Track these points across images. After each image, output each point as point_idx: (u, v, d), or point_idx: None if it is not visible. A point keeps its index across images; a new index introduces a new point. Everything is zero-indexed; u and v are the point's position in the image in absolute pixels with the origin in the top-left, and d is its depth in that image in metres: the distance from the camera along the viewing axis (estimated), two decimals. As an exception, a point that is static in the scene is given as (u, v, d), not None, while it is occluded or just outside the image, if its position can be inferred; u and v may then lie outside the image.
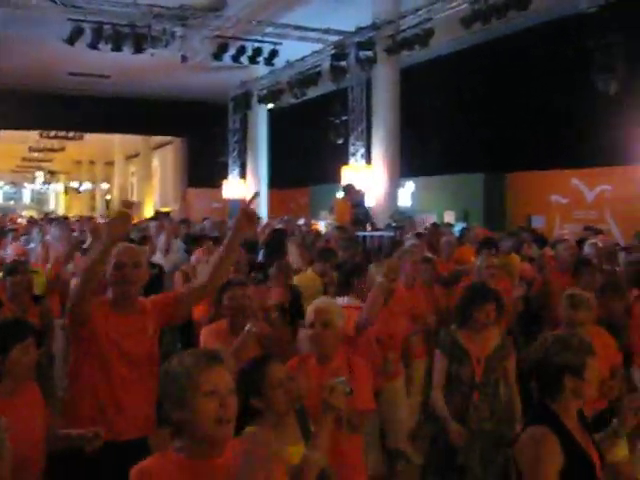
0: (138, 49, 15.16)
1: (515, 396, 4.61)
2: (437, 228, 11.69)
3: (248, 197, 13.62)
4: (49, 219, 21.22)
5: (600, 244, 8.41)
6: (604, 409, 4.44)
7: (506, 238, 9.45)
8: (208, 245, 8.17)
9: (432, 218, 15.52)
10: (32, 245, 9.27)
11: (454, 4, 13.54)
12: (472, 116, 16.94)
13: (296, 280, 7.01)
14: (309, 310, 3.98)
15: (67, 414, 3.79)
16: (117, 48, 15.01)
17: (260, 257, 9.12)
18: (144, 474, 2.38)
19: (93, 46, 14.89)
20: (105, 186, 45.78)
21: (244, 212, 3.66)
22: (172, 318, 4.04)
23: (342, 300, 5.21)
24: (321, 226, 16.17)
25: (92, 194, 49.27)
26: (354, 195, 14.35)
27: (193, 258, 8.23)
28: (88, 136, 33.28)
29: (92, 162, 47.31)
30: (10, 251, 7.69)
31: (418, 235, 9.90)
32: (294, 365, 3.85)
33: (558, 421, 2.99)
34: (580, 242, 9.27)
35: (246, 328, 4.25)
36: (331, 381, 3.19)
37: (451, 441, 4.41)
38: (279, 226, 12.22)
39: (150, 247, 8.51)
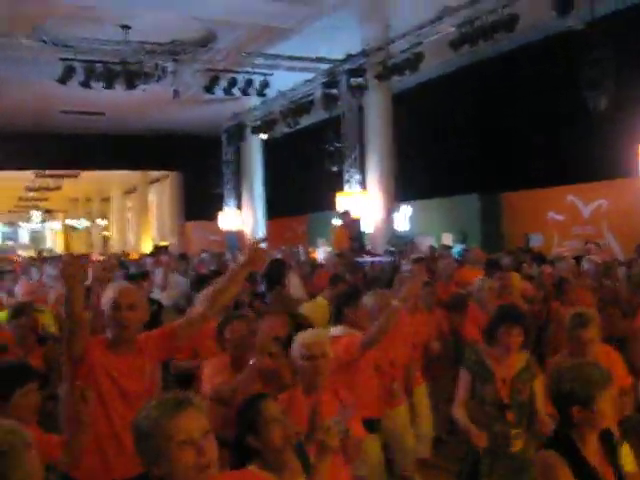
0: (130, 85, 15.27)
1: (543, 418, 4.46)
2: (434, 251, 11.71)
3: (246, 229, 13.62)
4: (44, 258, 21.23)
5: (598, 260, 8.40)
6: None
7: (504, 257, 9.45)
8: None
9: (430, 241, 15.51)
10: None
11: (442, 27, 13.65)
12: (465, 137, 17.01)
13: (306, 309, 6.97)
14: (296, 343, 3.97)
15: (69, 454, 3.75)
16: (109, 85, 15.13)
17: (262, 288, 9.10)
18: None
19: (85, 84, 15.01)
20: (102, 222, 45.79)
21: (255, 250, 3.76)
22: (170, 351, 4.04)
23: (335, 330, 5.19)
24: (319, 254, 16.16)
25: (89, 231, 49.27)
26: (350, 222, 14.40)
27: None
28: (84, 173, 33.37)
29: (89, 199, 47.37)
30: (18, 289, 7.63)
31: (417, 260, 9.89)
32: (286, 399, 3.82)
33: (572, 447, 3.00)
34: (577, 258, 9.28)
35: (251, 362, 4.21)
36: (327, 421, 3.21)
37: (473, 445, 4.37)
38: (278, 256, 12.20)
39: (149, 283, 8.48)
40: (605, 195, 14.84)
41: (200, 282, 7.89)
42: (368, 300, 5.47)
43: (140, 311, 3.85)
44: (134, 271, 11.24)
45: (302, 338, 4.00)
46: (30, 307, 6.22)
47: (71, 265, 3.47)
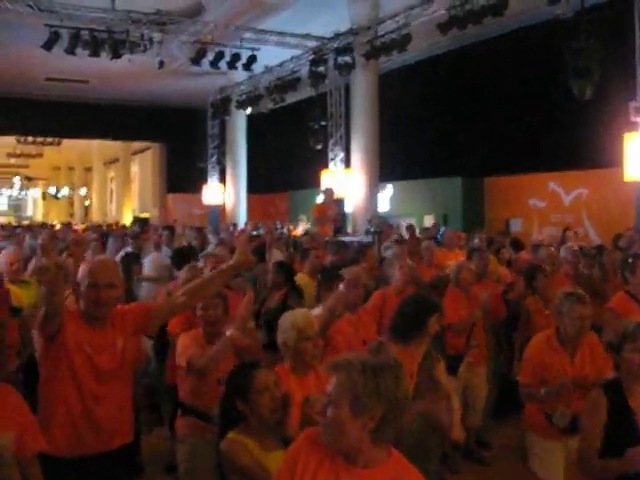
0: (116, 54, 15.11)
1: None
2: (413, 231, 11.81)
3: (228, 203, 13.63)
4: (27, 227, 21.08)
5: (576, 247, 8.47)
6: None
7: (475, 237, 9.60)
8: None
9: (411, 222, 15.58)
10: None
11: (431, 10, 13.62)
12: (450, 120, 17.05)
13: None
14: (289, 325, 4.01)
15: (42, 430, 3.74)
16: (95, 53, 14.97)
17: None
18: None
19: (70, 51, 14.85)
20: (84, 191, 45.48)
21: (240, 262, 3.82)
22: (143, 329, 4.01)
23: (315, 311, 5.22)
24: (299, 231, 16.19)
25: (70, 200, 48.93)
26: (333, 201, 14.42)
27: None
28: (66, 142, 33.14)
29: (71, 168, 47.00)
30: (1, 258, 7.54)
31: (398, 241, 9.92)
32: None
33: (618, 388, 3.54)
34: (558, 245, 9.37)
35: (227, 333, 4.25)
36: (311, 395, 3.30)
37: None
38: (255, 233, 12.25)
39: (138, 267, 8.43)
40: (587, 184, 14.97)
41: (180, 256, 7.91)
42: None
43: (117, 290, 3.79)
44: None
45: (295, 320, 4.03)
46: (1, 278, 6.15)
47: (50, 272, 3.43)
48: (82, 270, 3.80)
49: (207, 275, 4.09)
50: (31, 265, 7.33)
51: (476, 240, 10.11)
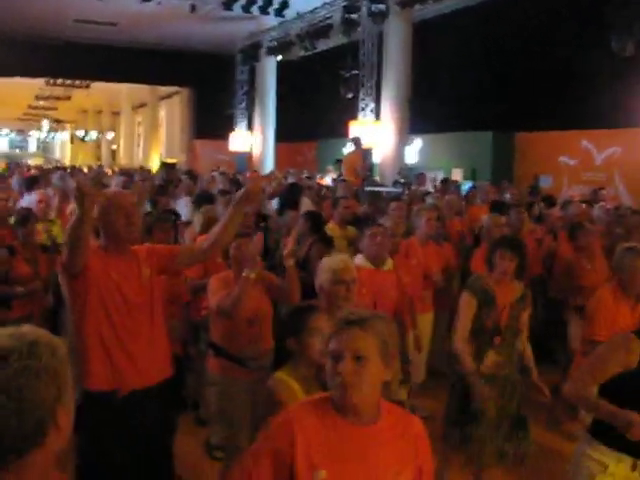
0: (147, -4, 15.01)
1: (527, 347, 4.72)
2: (447, 184, 11.70)
3: (255, 151, 13.56)
4: (56, 168, 21.17)
5: (609, 206, 8.39)
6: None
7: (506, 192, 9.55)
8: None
9: (439, 175, 15.45)
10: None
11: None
12: (483, 74, 16.76)
13: None
14: (326, 267, 4.04)
15: (79, 366, 3.68)
16: (125, -6, 14.87)
17: (272, 208, 9.13)
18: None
19: (101, -8, 14.76)
20: (111, 135, 45.59)
21: (249, 191, 3.76)
22: (166, 270, 4.02)
23: (357, 259, 5.25)
24: (327, 181, 16.13)
25: (98, 143, 49.08)
26: (362, 151, 14.33)
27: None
28: (95, 85, 33.03)
29: (99, 111, 47.04)
30: (33, 197, 7.64)
31: (395, 198, 9.83)
32: None
33: None
34: (586, 203, 9.26)
35: (244, 274, 4.30)
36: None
37: (474, 400, 4.44)
38: (291, 180, 12.21)
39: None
40: (620, 143, 14.71)
41: (203, 200, 7.91)
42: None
43: (139, 213, 3.90)
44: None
45: (332, 263, 4.09)
46: (32, 216, 6.37)
47: (88, 197, 3.42)
48: (100, 203, 3.75)
49: (222, 217, 4.03)
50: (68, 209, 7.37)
51: (507, 195, 10.01)
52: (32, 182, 10.03)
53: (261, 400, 3.39)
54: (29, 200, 8.27)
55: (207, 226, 6.38)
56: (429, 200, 9.26)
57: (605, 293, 4.93)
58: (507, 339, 4.57)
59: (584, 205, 8.52)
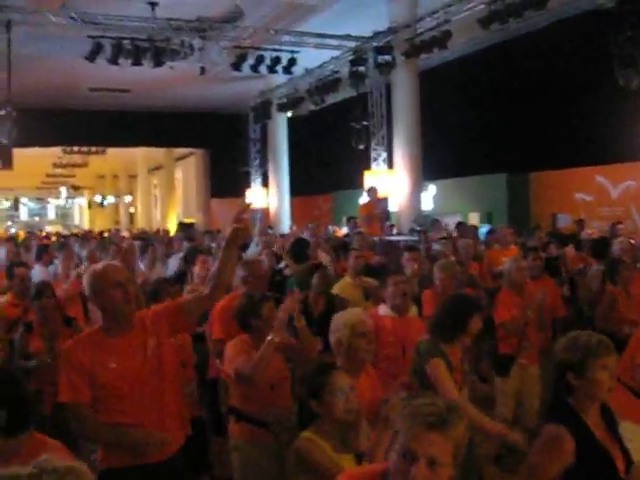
0: (158, 62, 15.28)
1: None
2: (463, 227, 11.70)
3: (271, 207, 13.56)
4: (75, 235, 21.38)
5: (632, 241, 8.34)
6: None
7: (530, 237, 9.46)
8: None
9: (456, 220, 15.44)
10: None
11: (471, 5, 13.49)
12: (493, 116, 16.87)
13: (337, 288, 6.99)
14: (342, 323, 4.03)
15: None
16: (137, 62, 15.14)
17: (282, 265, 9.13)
18: None
19: (113, 61, 15.04)
20: (128, 199, 46.09)
21: (235, 222, 3.70)
22: (179, 327, 3.88)
23: (380, 309, 5.24)
24: (344, 231, 16.17)
25: (116, 207, 49.61)
26: (377, 200, 14.37)
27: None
28: (111, 150, 33.55)
29: (115, 176, 47.65)
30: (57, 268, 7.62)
31: (411, 248, 9.84)
32: None
33: (576, 417, 3.01)
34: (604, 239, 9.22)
35: (268, 338, 4.24)
36: (392, 396, 3.29)
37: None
38: (303, 235, 12.24)
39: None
40: (635, 176, 14.68)
41: (194, 254, 7.98)
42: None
43: (132, 289, 3.73)
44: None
45: (349, 317, 4.07)
46: (47, 289, 5.99)
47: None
48: (89, 280, 3.64)
49: (217, 261, 3.96)
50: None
51: (536, 238, 9.94)
52: (41, 251, 9.93)
53: (289, 463, 3.35)
54: (39, 271, 8.29)
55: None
56: (436, 246, 9.21)
57: None
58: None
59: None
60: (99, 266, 3.70)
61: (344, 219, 18.27)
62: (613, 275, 6.76)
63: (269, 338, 4.24)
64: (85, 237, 17.63)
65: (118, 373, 3.48)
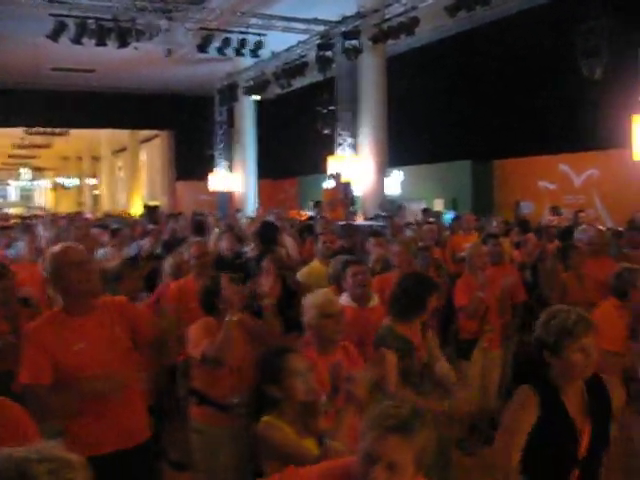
0: (122, 43, 15.06)
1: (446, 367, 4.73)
2: (427, 214, 11.76)
3: (236, 190, 13.39)
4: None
5: (599, 228, 8.45)
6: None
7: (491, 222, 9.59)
8: None
9: (421, 206, 15.53)
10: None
11: (439, -8, 13.51)
12: (458, 104, 16.95)
13: (304, 272, 6.97)
14: (310, 304, 4.04)
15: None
16: (101, 43, 14.91)
17: (249, 249, 9.09)
18: None
19: (77, 41, 14.81)
20: (92, 181, 45.57)
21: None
22: (134, 334, 3.77)
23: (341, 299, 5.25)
24: (309, 213, 16.21)
25: (80, 189, 49.04)
26: (342, 185, 14.40)
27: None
28: (74, 131, 33.11)
29: (79, 158, 47.07)
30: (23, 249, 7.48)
31: (408, 225, 9.95)
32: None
33: (546, 382, 3.07)
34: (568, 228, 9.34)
35: (226, 319, 4.24)
36: (354, 373, 3.29)
37: None
38: (269, 218, 12.22)
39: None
40: (598, 165, 14.87)
41: (171, 245, 7.91)
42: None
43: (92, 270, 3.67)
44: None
45: (316, 298, 4.08)
46: (8, 272, 5.99)
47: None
48: (49, 261, 3.60)
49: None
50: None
51: (494, 224, 10.04)
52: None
53: (250, 448, 3.34)
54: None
55: (178, 270, 6.36)
56: (408, 232, 9.30)
57: (607, 306, 5.01)
58: (429, 373, 4.59)
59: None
60: (58, 247, 3.65)
61: (310, 203, 18.29)
62: (565, 260, 6.86)
63: (227, 319, 4.24)
64: (53, 220, 17.29)
65: (81, 354, 3.43)
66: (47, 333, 3.46)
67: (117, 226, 11.19)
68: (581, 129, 13.73)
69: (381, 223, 12.30)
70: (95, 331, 3.52)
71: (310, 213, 16.51)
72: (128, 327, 3.69)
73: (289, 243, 8.93)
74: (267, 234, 8.47)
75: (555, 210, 13.16)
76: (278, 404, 3.19)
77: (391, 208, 14.22)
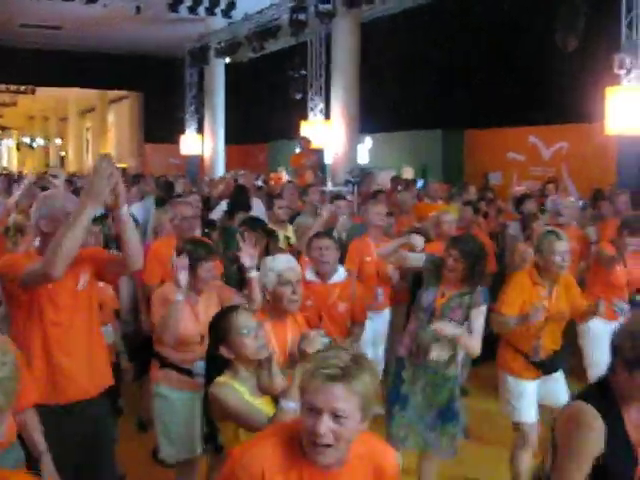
0: (91, -1, 14.75)
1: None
2: (397, 183, 11.73)
3: (206, 154, 13.28)
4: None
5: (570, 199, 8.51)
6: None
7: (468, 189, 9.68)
8: None
9: (390, 174, 15.49)
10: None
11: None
12: (431, 72, 16.86)
13: None
14: (270, 269, 3.97)
15: None
16: (69, -2, 14.59)
17: (218, 213, 8.98)
18: None
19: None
20: (59, 142, 44.86)
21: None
22: (98, 276, 3.78)
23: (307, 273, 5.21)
24: (285, 177, 16.15)
25: (46, 150, 48.25)
26: (310, 151, 14.30)
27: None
28: (41, 90, 32.42)
29: (46, 117, 46.25)
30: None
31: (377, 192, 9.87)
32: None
33: (613, 403, 2.67)
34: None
35: (176, 298, 4.16)
36: (307, 331, 3.29)
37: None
38: (240, 181, 12.08)
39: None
40: (567, 138, 14.92)
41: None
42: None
43: None
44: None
45: (277, 263, 4.01)
46: None
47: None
48: (39, 205, 3.61)
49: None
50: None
51: (472, 192, 10.02)
52: None
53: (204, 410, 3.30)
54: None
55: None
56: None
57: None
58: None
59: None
60: (49, 192, 3.76)
61: (279, 169, 18.18)
62: (525, 229, 6.92)
63: (176, 298, 4.11)
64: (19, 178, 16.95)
65: (49, 294, 3.45)
66: (20, 265, 3.46)
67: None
68: (552, 102, 13.73)
69: (345, 188, 12.26)
70: (65, 277, 3.40)
71: (288, 177, 16.41)
72: (97, 272, 3.70)
73: (258, 208, 8.82)
74: (240, 199, 8.37)
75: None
76: (231, 364, 3.15)
77: (360, 175, 14.14)
